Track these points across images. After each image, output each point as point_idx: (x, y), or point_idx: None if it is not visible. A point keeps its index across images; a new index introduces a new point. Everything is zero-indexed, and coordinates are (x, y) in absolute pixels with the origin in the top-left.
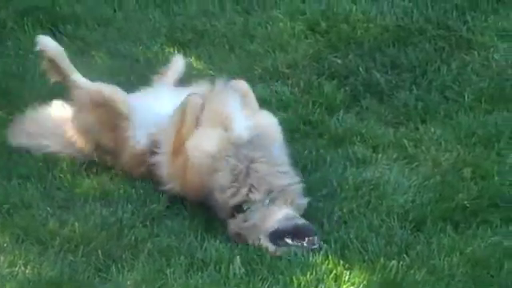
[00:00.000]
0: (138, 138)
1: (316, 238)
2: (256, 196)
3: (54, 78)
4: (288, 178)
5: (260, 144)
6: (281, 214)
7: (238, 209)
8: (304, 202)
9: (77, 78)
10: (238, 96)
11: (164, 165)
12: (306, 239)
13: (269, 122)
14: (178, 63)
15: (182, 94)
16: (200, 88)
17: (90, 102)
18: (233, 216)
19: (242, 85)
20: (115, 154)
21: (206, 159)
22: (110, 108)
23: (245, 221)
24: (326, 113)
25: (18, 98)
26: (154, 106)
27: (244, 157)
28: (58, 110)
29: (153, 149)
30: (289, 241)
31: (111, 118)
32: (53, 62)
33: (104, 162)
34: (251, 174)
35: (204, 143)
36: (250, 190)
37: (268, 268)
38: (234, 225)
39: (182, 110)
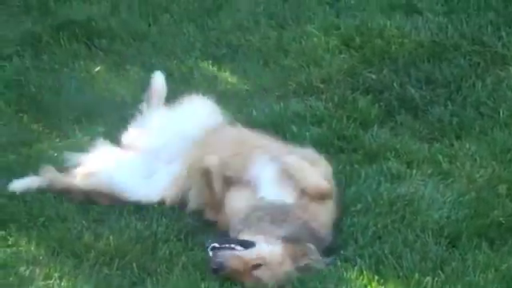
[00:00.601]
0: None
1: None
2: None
3: None
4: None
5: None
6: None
7: None
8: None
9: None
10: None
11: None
12: None
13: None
14: (158, 82)
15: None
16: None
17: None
18: None
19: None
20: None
21: (238, 220)
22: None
23: None
24: (361, 128)
25: (53, 112)
26: None
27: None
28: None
29: None
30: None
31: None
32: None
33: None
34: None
35: (236, 208)
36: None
37: (301, 283)
38: None
39: (201, 172)
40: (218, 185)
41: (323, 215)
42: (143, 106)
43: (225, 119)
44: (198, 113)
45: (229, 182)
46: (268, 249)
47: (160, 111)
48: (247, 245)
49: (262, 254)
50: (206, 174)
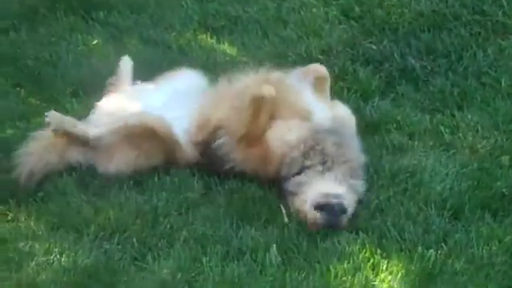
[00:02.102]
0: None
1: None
2: (309, 162)
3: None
4: (349, 155)
5: (337, 133)
6: (324, 188)
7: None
8: (357, 182)
9: (95, 132)
10: (310, 86)
11: (231, 150)
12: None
13: (345, 114)
14: (126, 65)
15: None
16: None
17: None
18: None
19: (322, 70)
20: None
21: (288, 149)
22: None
23: (298, 183)
24: (361, 99)
25: (50, 85)
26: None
27: (320, 140)
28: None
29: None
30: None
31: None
32: (69, 135)
33: None
34: (316, 149)
35: (286, 136)
36: (306, 157)
37: (305, 257)
38: (290, 185)
39: (254, 100)
40: (265, 116)
41: None
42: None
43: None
44: (188, 85)
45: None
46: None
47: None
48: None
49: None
50: (258, 102)
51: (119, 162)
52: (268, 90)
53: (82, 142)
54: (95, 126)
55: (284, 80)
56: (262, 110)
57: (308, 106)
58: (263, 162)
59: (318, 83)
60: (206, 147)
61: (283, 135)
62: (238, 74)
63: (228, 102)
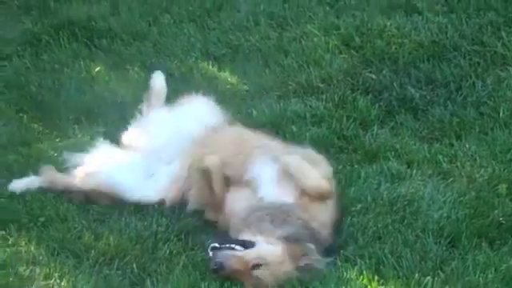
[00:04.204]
0: None
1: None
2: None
3: None
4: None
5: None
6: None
7: None
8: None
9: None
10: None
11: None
12: None
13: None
14: (157, 82)
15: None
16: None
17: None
18: None
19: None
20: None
21: (239, 220)
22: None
23: None
24: (361, 128)
25: (53, 112)
26: None
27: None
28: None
29: None
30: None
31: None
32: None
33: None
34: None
35: (236, 208)
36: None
37: (301, 283)
38: None
39: (202, 172)
40: (217, 185)
41: (323, 215)
42: (143, 106)
43: (224, 119)
44: (198, 112)
45: (229, 183)
46: (268, 249)
47: (160, 111)
48: (247, 245)
49: (261, 254)
50: (206, 174)
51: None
52: (211, 161)
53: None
54: None
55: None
56: (212, 182)
57: (256, 178)
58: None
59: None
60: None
61: (231, 206)
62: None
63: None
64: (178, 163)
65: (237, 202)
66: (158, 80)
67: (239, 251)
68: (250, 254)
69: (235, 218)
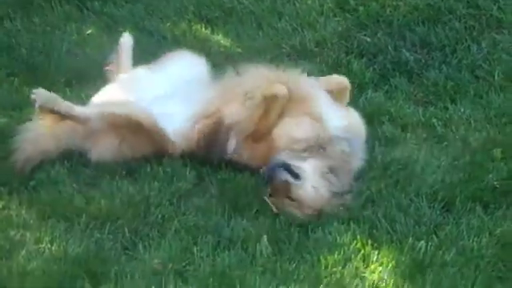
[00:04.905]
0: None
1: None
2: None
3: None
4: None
5: (346, 141)
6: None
7: None
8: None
9: (81, 110)
10: (326, 92)
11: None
12: None
13: (358, 125)
14: (126, 43)
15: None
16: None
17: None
18: None
19: (344, 82)
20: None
21: (291, 143)
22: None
23: None
24: (355, 91)
25: (44, 74)
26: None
27: (327, 145)
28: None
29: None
30: None
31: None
32: (55, 112)
33: None
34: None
35: (292, 131)
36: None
37: (295, 247)
38: None
39: (266, 99)
40: (275, 113)
41: None
42: (111, 67)
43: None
44: (187, 63)
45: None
46: (310, 192)
47: (143, 68)
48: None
49: (301, 195)
50: (270, 101)
51: (102, 148)
52: (281, 90)
53: (69, 119)
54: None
55: (298, 81)
56: (272, 109)
57: (320, 110)
58: (267, 158)
59: (339, 93)
60: (208, 138)
61: (289, 131)
62: (247, 68)
63: (238, 97)
64: (198, 106)
65: (295, 129)
66: (127, 39)
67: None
68: (295, 189)
69: (291, 142)
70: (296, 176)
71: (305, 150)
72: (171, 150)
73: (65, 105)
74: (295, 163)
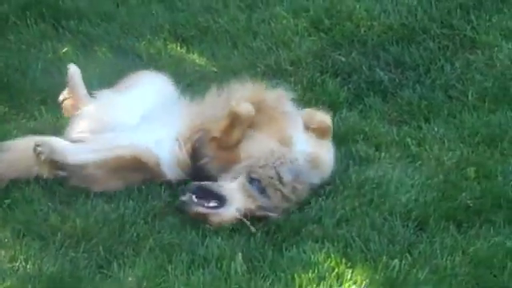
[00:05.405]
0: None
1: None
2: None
3: None
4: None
5: (302, 175)
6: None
7: None
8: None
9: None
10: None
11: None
12: None
13: (323, 158)
14: (75, 74)
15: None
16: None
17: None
18: None
19: (327, 121)
20: None
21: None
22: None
23: None
24: (329, 110)
25: (19, 92)
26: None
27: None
28: None
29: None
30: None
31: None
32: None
33: None
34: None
35: (258, 151)
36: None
37: (270, 265)
38: None
39: (231, 114)
40: (239, 132)
41: None
42: (67, 101)
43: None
44: (155, 84)
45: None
46: (232, 216)
47: (112, 92)
48: (222, 202)
49: (224, 220)
50: (234, 118)
51: (100, 187)
52: (246, 110)
53: (61, 167)
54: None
55: (280, 100)
56: (235, 126)
57: (291, 132)
58: (228, 166)
59: (320, 131)
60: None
61: (251, 146)
62: (227, 86)
63: (216, 108)
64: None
65: (260, 148)
66: (75, 70)
67: (210, 208)
68: (216, 215)
69: (250, 160)
70: (219, 198)
71: (260, 168)
72: (166, 178)
73: (62, 155)
74: (220, 183)
